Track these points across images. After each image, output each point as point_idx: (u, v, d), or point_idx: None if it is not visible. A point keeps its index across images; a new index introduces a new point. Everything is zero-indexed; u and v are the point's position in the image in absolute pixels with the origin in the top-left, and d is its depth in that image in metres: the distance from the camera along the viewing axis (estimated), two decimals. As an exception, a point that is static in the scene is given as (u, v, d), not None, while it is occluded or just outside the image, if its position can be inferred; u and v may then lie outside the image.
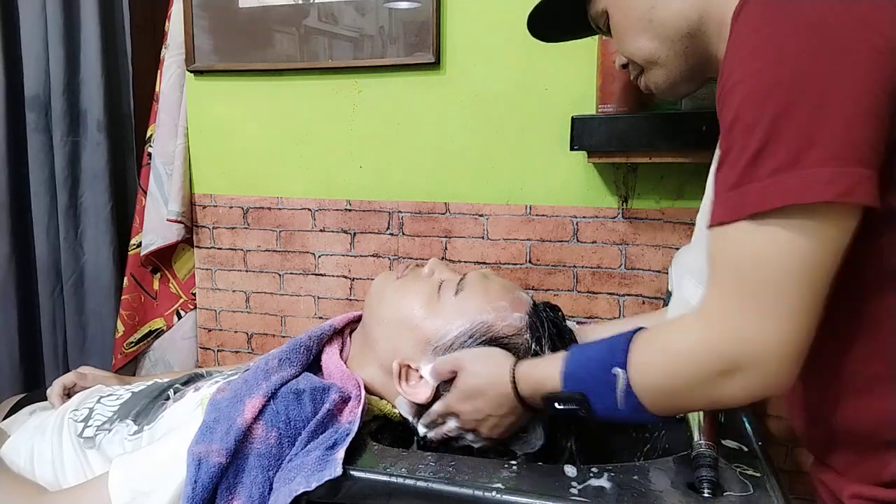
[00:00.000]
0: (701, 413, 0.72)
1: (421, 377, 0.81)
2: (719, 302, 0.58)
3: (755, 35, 0.56)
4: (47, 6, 1.53)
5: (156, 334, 1.61)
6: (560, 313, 0.87)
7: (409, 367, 0.82)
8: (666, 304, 1.18)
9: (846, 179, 0.51)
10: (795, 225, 0.53)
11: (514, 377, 0.73)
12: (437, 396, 0.80)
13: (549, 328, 0.82)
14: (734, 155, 0.55)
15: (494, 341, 0.80)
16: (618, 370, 0.63)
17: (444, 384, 0.80)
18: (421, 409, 0.83)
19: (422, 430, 0.84)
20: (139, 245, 1.57)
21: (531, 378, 0.72)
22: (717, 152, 0.60)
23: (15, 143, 1.59)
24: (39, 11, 1.54)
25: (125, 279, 1.59)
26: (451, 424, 0.79)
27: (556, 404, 0.69)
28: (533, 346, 0.80)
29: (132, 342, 1.60)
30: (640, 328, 0.66)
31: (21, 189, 1.62)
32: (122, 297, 1.59)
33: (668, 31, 0.70)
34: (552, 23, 0.89)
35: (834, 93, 0.51)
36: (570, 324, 0.89)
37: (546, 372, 0.70)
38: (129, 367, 1.62)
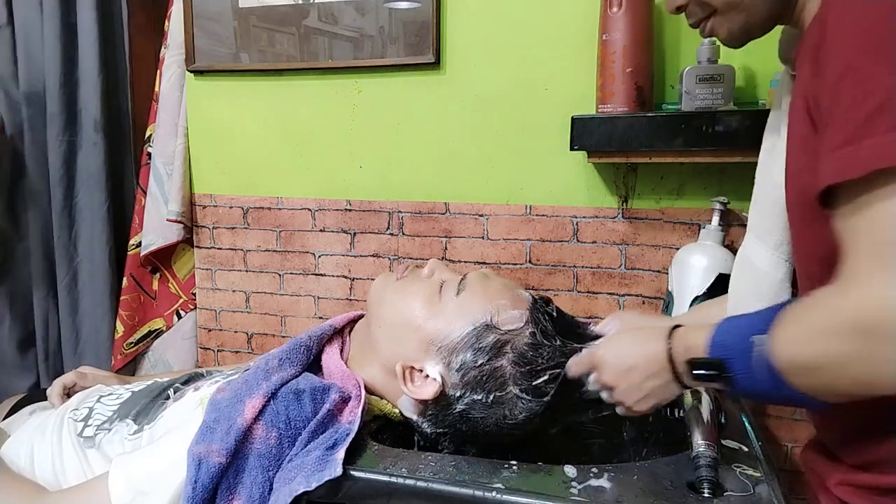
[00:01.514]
0: (701, 413, 0.72)
1: (427, 376, 0.81)
2: (866, 274, 0.52)
3: None
4: (44, 4, 1.52)
5: (155, 334, 1.61)
6: (552, 305, 0.86)
7: (412, 368, 0.82)
8: (666, 304, 1.18)
9: None
10: None
11: (670, 339, 0.68)
12: (444, 391, 0.80)
13: (550, 322, 0.82)
14: (843, 109, 0.51)
15: (498, 339, 0.80)
16: (757, 337, 0.59)
17: (452, 377, 0.80)
18: (425, 408, 0.83)
19: (426, 428, 0.84)
20: (139, 245, 1.57)
21: (681, 343, 0.68)
22: (784, 102, 0.56)
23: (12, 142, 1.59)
24: (36, 7, 1.53)
25: (125, 279, 1.59)
26: (604, 395, 0.77)
27: (697, 370, 0.65)
28: (537, 340, 0.80)
29: (132, 342, 1.60)
30: (790, 301, 0.62)
31: (15, 188, 1.61)
32: (122, 298, 1.59)
33: None
34: None
35: None
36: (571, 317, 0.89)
37: (695, 338, 0.66)
38: (128, 368, 1.62)
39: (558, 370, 0.79)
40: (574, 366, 0.78)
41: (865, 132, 0.50)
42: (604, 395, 0.76)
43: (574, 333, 0.83)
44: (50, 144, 1.56)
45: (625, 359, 0.72)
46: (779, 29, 0.73)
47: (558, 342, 0.81)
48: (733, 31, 0.70)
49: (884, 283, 0.49)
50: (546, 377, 0.79)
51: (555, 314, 0.84)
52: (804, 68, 0.60)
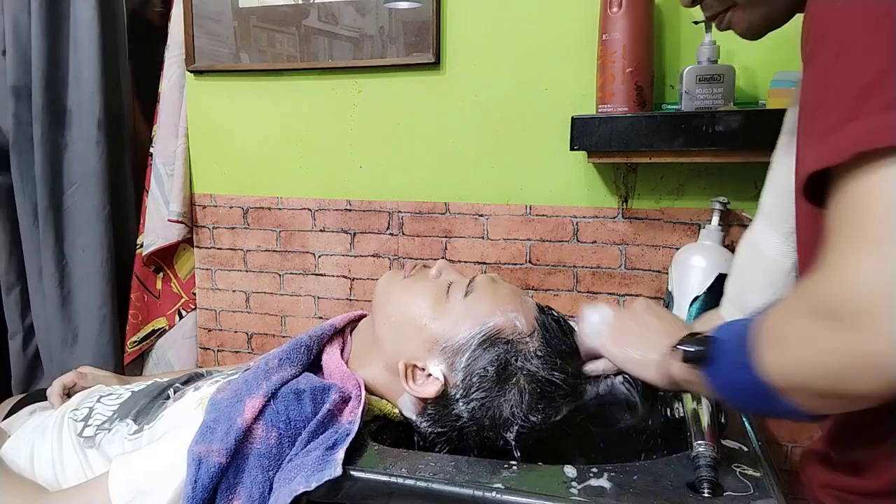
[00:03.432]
0: (701, 413, 0.72)
1: (429, 375, 0.82)
2: (833, 253, 0.47)
3: None
4: (31, 3, 1.50)
5: (159, 333, 1.62)
6: (557, 314, 0.87)
7: (414, 366, 0.82)
8: (666, 304, 1.18)
9: None
10: None
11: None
12: (445, 391, 0.81)
13: (556, 329, 0.83)
14: (835, 92, 0.47)
15: (503, 343, 0.80)
16: (746, 327, 0.56)
17: (454, 378, 0.80)
18: (425, 407, 0.83)
19: (425, 427, 0.84)
20: (142, 245, 1.58)
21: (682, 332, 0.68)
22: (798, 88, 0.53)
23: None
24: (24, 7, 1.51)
25: (132, 279, 1.60)
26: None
27: (686, 347, 0.63)
28: (541, 350, 0.81)
29: (135, 341, 1.61)
30: None
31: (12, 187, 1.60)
32: (131, 297, 1.60)
33: None
34: None
35: None
36: (571, 323, 0.90)
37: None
38: (134, 366, 1.62)
39: (563, 376, 0.79)
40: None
41: (851, 114, 0.46)
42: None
43: (574, 342, 0.84)
44: (46, 144, 1.54)
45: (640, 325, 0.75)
46: (779, 29, 0.73)
47: (564, 349, 0.81)
48: (754, 24, 0.68)
49: (857, 264, 0.44)
50: (550, 383, 0.79)
51: (561, 322, 0.84)
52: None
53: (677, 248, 1.20)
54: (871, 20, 0.46)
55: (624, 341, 0.75)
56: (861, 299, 0.43)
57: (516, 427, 0.79)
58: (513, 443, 0.80)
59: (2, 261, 1.64)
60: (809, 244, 0.61)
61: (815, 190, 0.50)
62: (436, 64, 1.34)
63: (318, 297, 1.52)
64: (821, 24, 0.51)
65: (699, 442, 0.69)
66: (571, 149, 1.17)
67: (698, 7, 0.73)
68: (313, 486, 0.69)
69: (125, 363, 1.61)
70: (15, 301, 1.66)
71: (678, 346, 0.64)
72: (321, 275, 1.51)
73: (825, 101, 0.48)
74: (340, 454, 0.72)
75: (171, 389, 0.92)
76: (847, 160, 0.45)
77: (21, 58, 1.54)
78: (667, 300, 1.18)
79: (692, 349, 0.62)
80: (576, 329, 0.84)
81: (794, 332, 0.50)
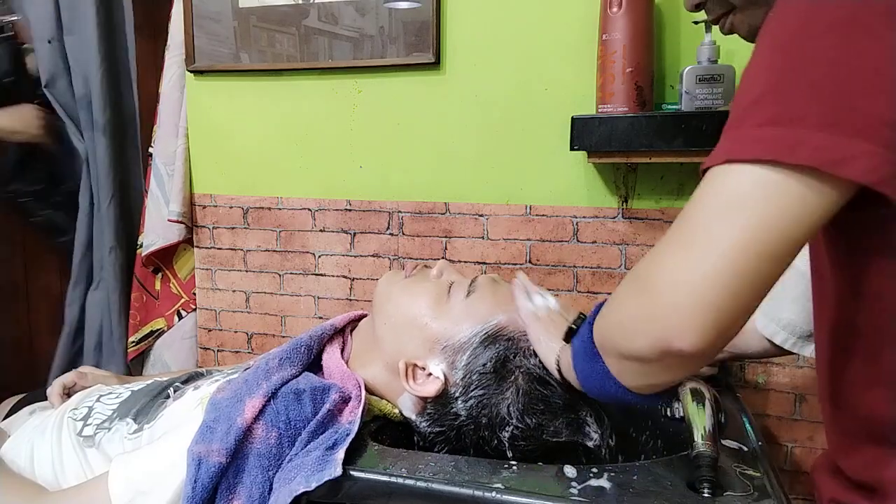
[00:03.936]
0: (701, 413, 0.72)
1: (429, 374, 0.82)
2: (665, 238, 0.54)
3: None
4: None
5: (156, 334, 1.62)
6: None
7: (415, 365, 0.82)
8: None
9: (841, 149, 0.45)
10: (774, 180, 0.47)
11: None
12: (445, 390, 0.81)
13: None
14: (737, 97, 0.52)
15: (504, 344, 0.80)
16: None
17: (454, 377, 0.80)
18: (425, 407, 0.83)
19: (424, 427, 0.84)
20: (142, 245, 1.58)
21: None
22: None
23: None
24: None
25: (133, 279, 1.61)
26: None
27: (574, 324, 0.74)
28: None
29: (133, 341, 1.61)
30: None
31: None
32: (132, 296, 1.61)
33: None
34: None
35: (855, 61, 0.46)
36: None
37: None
38: (135, 366, 1.62)
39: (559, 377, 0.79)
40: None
41: (734, 125, 0.50)
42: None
43: None
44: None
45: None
46: None
47: None
48: (754, 28, 0.68)
49: (672, 256, 0.52)
50: (547, 384, 0.79)
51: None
52: None
53: (677, 248, 1.20)
54: (770, 41, 0.50)
55: (546, 324, 0.79)
56: (660, 281, 0.51)
57: (511, 427, 0.79)
58: (506, 443, 0.80)
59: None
60: None
61: None
62: (436, 64, 1.34)
63: (318, 297, 1.52)
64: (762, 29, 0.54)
65: (699, 442, 0.69)
66: (571, 149, 1.17)
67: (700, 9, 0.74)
68: (313, 486, 0.69)
69: (130, 360, 1.62)
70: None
71: (570, 326, 0.72)
72: (321, 275, 1.51)
73: (732, 107, 0.53)
74: (340, 454, 0.72)
75: (171, 389, 0.92)
76: (720, 164, 0.50)
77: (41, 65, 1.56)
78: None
79: (574, 327, 0.71)
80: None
81: (614, 297, 0.60)
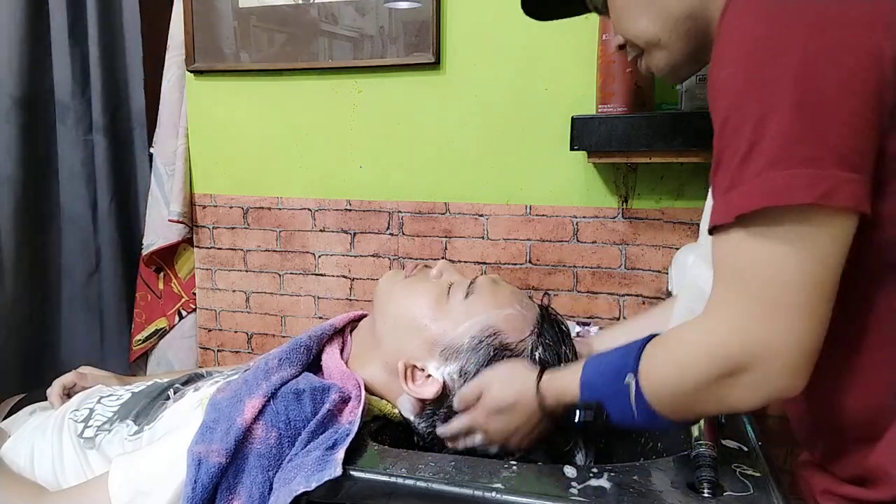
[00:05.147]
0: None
1: (428, 376, 0.82)
2: (723, 306, 0.57)
3: (744, 30, 0.55)
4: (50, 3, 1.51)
5: (160, 333, 1.62)
6: (557, 315, 0.87)
7: (414, 366, 0.82)
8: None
9: (825, 182, 0.50)
10: (783, 227, 0.52)
11: (538, 389, 0.73)
12: (444, 392, 0.81)
13: (557, 332, 0.83)
14: (728, 157, 0.55)
15: (503, 345, 0.80)
16: (630, 377, 0.63)
17: (453, 379, 0.80)
18: (423, 408, 0.83)
19: (423, 428, 0.84)
20: (143, 245, 1.58)
21: (553, 389, 0.72)
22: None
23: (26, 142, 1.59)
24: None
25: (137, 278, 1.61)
26: (477, 439, 0.79)
27: (577, 412, 0.69)
28: (540, 353, 0.81)
29: (140, 340, 1.61)
30: (654, 335, 0.66)
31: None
32: (136, 296, 1.61)
33: (670, 12, 0.67)
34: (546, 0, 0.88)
35: (820, 95, 0.51)
36: (569, 324, 0.90)
37: (566, 381, 0.71)
38: (138, 366, 1.63)
39: None
40: (464, 394, 0.79)
41: (733, 182, 0.54)
42: (477, 437, 0.79)
43: (572, 348, 0.84)
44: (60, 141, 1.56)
45: (498, 402, 0.76)
46: None
47: (561, 352, 0.81)
48: (661, 69, 0.73)
49: (740, 317, 0.55)
50: None
51: (560, 326, 0.84)
52: None
53: (677, 248, 1.20)
54: (742, 89, 0.54)
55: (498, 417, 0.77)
56: (761, 356, 0.55)
57: None
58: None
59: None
60: None
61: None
62: (436, 64, 1.34)
63: (318, 297, 1.52)
64: (711, 87, 0.58)
65: (699, 442, 0.69)
66: (571, 149, 1.17)
67: None
68: (313, 486, 0.69)
69: (130, 360, 1.62)
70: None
71: (576, 419, 0.69)
72: (321, 275, 1.51)
73: (721, 161, 0.56)
74: (340, 454, 0.71)
75: (171, 390, 0.92)
76: (731, 221, 0.54)
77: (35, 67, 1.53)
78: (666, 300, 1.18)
79: (588, 419, 0.69)
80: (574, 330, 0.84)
81: (691, 382, 0.60)
